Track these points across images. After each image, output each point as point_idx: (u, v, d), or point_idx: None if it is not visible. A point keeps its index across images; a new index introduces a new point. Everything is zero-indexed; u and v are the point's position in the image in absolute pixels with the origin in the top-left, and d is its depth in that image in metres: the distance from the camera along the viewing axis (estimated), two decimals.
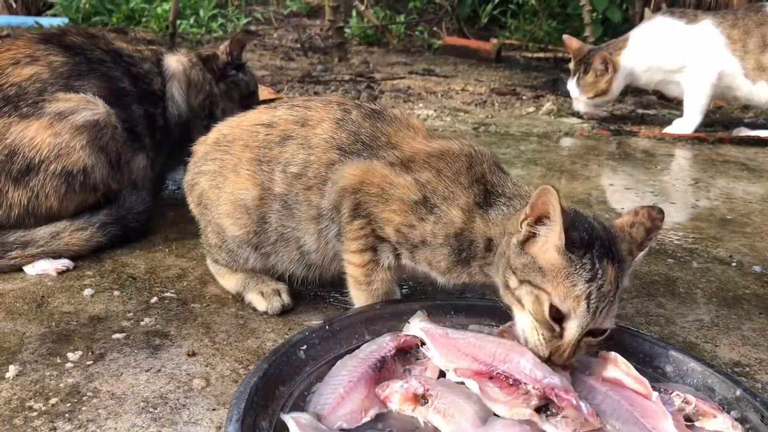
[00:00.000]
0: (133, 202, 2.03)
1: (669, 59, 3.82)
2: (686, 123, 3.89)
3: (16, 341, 1.45)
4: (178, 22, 6.49)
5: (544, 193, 1.18)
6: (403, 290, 1.72)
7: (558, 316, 1.18)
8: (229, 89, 2.41)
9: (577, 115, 4.29)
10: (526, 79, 5.77)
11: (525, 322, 1.23)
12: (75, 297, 1.67)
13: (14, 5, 7.64)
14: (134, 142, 2.09)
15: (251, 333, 1.52)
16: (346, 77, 5.20)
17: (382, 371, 1.24)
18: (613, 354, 1.28)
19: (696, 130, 3.86)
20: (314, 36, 7.28)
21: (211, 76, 2.36)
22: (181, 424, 1.20)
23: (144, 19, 6.93)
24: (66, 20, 6.82)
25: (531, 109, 4.51)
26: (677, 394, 1.21)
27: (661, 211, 1.32)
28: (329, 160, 1.48)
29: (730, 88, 3.77)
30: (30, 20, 6.71)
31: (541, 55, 6.86)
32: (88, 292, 1.69)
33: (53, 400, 1.25)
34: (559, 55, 6.63)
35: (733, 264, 2.05)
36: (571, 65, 4.10)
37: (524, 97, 4.91)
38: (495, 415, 1.14)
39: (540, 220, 1.21)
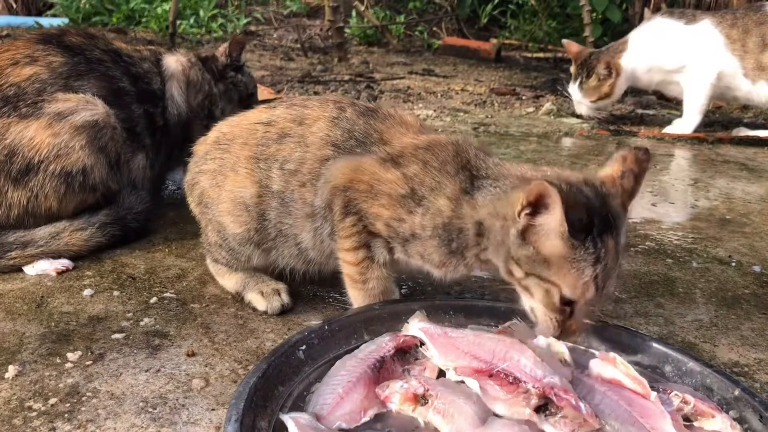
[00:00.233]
0: (133, 202, 2.03)
1: (669, 59, 3.82)
2: (686, 123, 3.89)
3: (16, 341, 1.45)
4: (178, 22, 6.49)
5: (541, 186, 1.17)
6: (402, 290, 1.72)
7: (568, 302, 1.23)
8: (228, 90, 2.42)
9: (576, 115, 4.29)
10: (526, 79, 5.77)
11: (534, 305, 1.28)
12: (74, 297, 1.67)
13: (14, 5, 7.64)
14: (134, 142, 2.09)
15: (250, 333, 1.52)
16: (346, 77, 5.20)
17: (381, 371, 1.24)
18: (611, 354, 1.28)
19: (695, 130, 3.86)
20: (314, 36, 7.29)
21: (210, 76, 2.36)
22: (181, 424, 1.20)
23: (144, 20, 6.93)
24: (66, 20, 6.82)
25: (531, 109, 4.51)
26: (676, 394, 1.21)
27: (647, 152, 1.31)
28: (323, 157, 1.49)
29: (730, 88, 3.77)
30: (30, 20, 6.71)
31: (541, 55, 6.86)
32: (87, 292, 1.69)
33: (52, 400, 1.25)
34: (559, 55, 6.63)
35: (733, 264, 2.05)
36: (572, 69, 4.08)
37: (524, 97, 4.91)
38: (495, 415, 1.14)
39: (537, 209, 1.21)
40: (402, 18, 7.61)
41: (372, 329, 1.39)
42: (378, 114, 1.55)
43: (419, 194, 1.39)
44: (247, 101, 2.45)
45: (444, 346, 1.28)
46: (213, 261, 1.73)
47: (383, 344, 1.31)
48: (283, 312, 1.61)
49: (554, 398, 1.13)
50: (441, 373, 1.26)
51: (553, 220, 1.19)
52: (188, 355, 1.42)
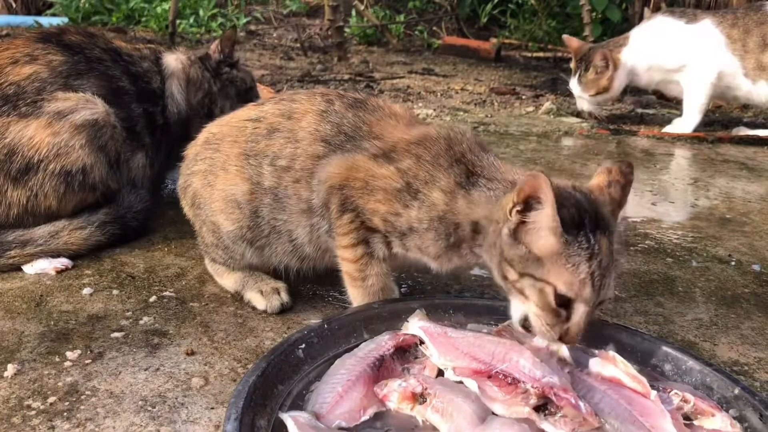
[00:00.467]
0: (132, 201, 2.03)
1: (669, 58, 3.82)
2: (685, 122, 3.89)
3: (15, 340, 1.45)
4: (178, 21, 6.49)
5: (532, 178, 1.17)
6: (402, 289, 1.72)
7: (564, 302, 1.19)
8: (225, 87, 2.41)
9: (576, 114, 4.29)
10: (526, 78, 5.77)
11: (529, 309, 1.23)
12: (74, 296, 1.66)
13: (14, 5, 7.64)
14: (133, 141, 2.09)
15: (250, 332, 1.52)
16: (346, 77, 5.20)
17: (380, 370, 1.24)
18: (611, 353, 1.28)
19: (695, 130, 3.86)
20: (314, 35, 7.28)
21: (209, 74, 2.36)
22: (180, 422, 1.20)
23: (144, 19, 6.93)
24: (66, 20, 6.82)
25: (530, 109, 4.51)
26: (676, 393, 1.21)
27: (630, 165, 1.34)
28: (315, 153, 1.49)
29: (730, 87, 3.77)
30: (29, 20, 6.71)
31: (541, 54, 6.85)
32: (86, 291, 1.68)
33: (52, 399, 1.24)
34: (559, 54, 6.63)
35: (732, 263, 2.05)
36: (572, 64, 4.09)
37: (524, 97, 4.90)
38: (493, 414, 1.14)
39: (529, 205, 1.20)
40: (402, 17, 7.60)
41: (371, 328, 1.39)
42: (367, 105, 1.54)
43: (414, 188, 1.38)
44: (247, 95, 2.44)
45: (444, 345, 1.28)
46: (211, 261, 1.73)
47: (383, 343, 1.31)
48: (283, 311, 1.61)
49: (554, 398, 1.13)
50: (441, 372, 1.26)
51: (544, 216, 1.18)
52: (187, 354, 1.41)
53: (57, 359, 1.38)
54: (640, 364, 1.31)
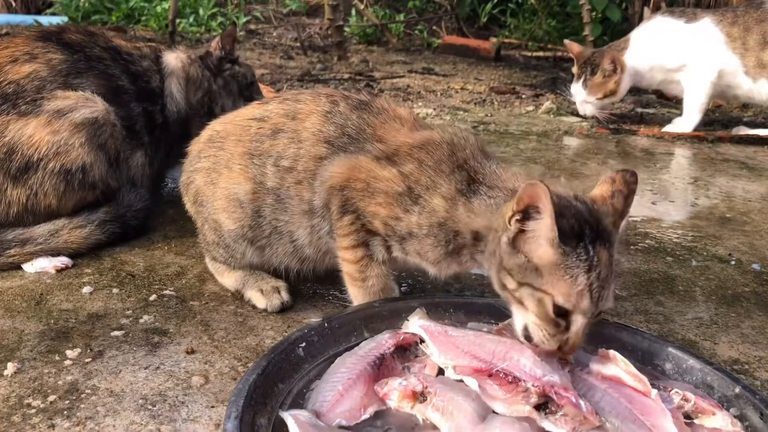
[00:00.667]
0: (132, 200, 2.02)
1: (670, 58, 3.82)
2: (685, 121, 3.89)
3: (15, 339, 1.45)
4: (178, 20, 6.48)
5: (532, 187, 1.15)
6: (402, 288, 1.72)
7: (562, 312, 1.17)
8: (227, 83, 2.40)
9: (576, 114, 4.29)
10: (526, 78, 5.77)
11: (528, 318, 1.21)
12: (74, 294, 1.66)
13: (13, 4, 7.63)
14: (132, 140, 2.09)
15: (250, 330, 1.52)
16: (346, 76, 5.20)
17: (381, 369, 1.24)
18: (612, 352, 1.27)
19: (695, 129, 3.86)
20: (314, 35, 7.28)
21: (209, 73, 2.36)
22: (180, 421, 1.20)
23: (143, 18, 6.92)
24: (65, 19, 6.81)
25: (530, 108, 4.50)
26: (676, 392, 1.21)
27: (634, 174, 1.31)
28: (317, 154, 1.48)
29: (731, 86, 3.77)
30: (29, 19, 6.69)
31: (541, 54, 6.84)
32: (86, 289, 1.68)
33: (52, 398, 1.24)
34: (559, 54, 6.62)
35: (732, 262, 2.05)
36: (575, 69, 4.06)
37: (524, 96, 4.90)
38: (494, 412, 1.14)
39: (528, 214, 1.19)
40: (402, 17, 7.60)
41: (372, 327, 1.38)
42: (372, 108, 1.54)
43: (415, 192, 1.38)
44: (249, 90, 2.44)
45: (444, 344, 1.28)
46: (212, 260, 1.72)
47: (383, 341, 1.31)
48: (283, 309, 1.60)
49: (554, 396, 1.13)
50: (441, 371, 1.26)
51: (543, 226, 1.17)
52: (188, 353, 1.41)
53: (57, 358, 1.38)
54: (640, 363, 1.30)
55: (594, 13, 5.99)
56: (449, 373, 1.23)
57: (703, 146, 3.69)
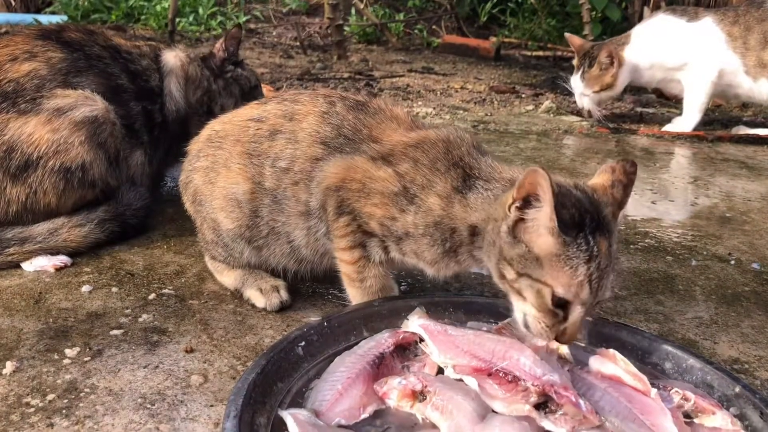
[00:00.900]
0: (132, 199, 2.02)
1: (670, 57, 3.82)
2: (685, 121, 3.89)
3: (14, 337, 1.45)
4: (177, 19, 6.48)
5: (532, 174, 1.15)
6: (402, 287, 1.71)
7: (561, 303, 1.18)
8: (229, 85, 2.40)
9: (576, 113, 4.29)
10: (526, 77, 5.77)
11: (527, 309, 1.22)
12: (73, 293, 1.66)
13: (13, 3, 7.63)
14: (132, 139, 2.09)
15: (249, 329, 1.52)
16: (346, 75, 5.19)
17: (380, 368, 1.24)
18: (612, 351, 1.27)
19: (695, 129, 3.86)
20: (313, 34, 7.28)
21: (210, 73, 2.35)
22: (179, 420, 1.19)
23: (143, 17, 6.92)
24: (65, 18, 6.81)
25: (530, 107, 4.50)
26: (676, 391, 1.20)
27: (633, 164, 1.31)
28: (314, 155, 1.48)
29: (731, 85, 3.77)
30: (29, 18, 6.69)
31: (541, 53, 6.85)
32: (85, 288, 1.68)
33: (50, 397, 1.24)
34: (559, 53, 6.63)
35: (732, 262, 2.05)
36: (575, 62, 4.06)
37: (523, 95, 4.90)
38: (493, 411, 1.14)
39: (528, 202, 1.18)
40: (401, 16, 7.59)
41: (371, 326, 1.38)
42: (368, 108, 1.53)
43: (411, 192, 1.37)
44: (251, 95, 2.44)
45: (443, 343, 1.28)
46: (211, 258, 1.72)
47: (382, 341, 1.31)
48: (282, 309, 1.60)
49: (554, 395, 1.12)
50: (441, 370, 1.26)
51: (543, 215, 1.16)
52: (187, 352, 1.41)
53: (56, 357, 1.37)
54: (640, 362, 1.30)
55: (594, 13, 5.99)
56: (449, 372, 1.23)
57: (703, 146, 3.69)
